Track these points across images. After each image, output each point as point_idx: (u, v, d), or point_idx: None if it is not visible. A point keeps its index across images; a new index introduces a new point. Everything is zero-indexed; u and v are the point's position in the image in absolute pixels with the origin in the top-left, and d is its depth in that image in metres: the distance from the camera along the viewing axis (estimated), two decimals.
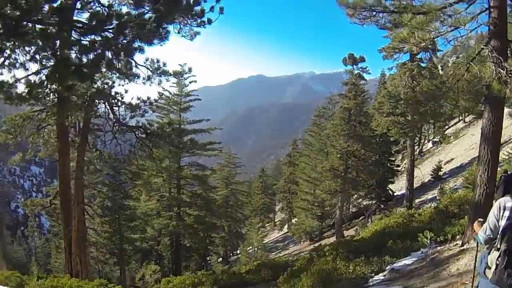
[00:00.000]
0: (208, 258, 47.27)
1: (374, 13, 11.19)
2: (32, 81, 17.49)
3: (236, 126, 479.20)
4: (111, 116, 19.13)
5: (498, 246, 4.57)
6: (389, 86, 32.57)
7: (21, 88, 17.67)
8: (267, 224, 75.36)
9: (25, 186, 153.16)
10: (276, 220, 73.02)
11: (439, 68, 47.49)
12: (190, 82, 38.30)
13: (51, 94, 17.70)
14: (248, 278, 16.83)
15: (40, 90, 17.00)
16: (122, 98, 18.64)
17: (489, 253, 4.78)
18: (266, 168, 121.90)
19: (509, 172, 4.86)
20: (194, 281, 15.79)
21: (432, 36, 9.68)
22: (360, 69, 35.81)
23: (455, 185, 29.74)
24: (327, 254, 15.15)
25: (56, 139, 20.00)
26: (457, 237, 12.75)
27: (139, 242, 38.21)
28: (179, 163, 38.14)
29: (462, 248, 11.18)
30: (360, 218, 39.23)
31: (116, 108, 19.06)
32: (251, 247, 34.08)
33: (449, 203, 17.21)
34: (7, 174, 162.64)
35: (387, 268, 12.19)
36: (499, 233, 4.59)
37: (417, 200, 33.38)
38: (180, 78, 37.71)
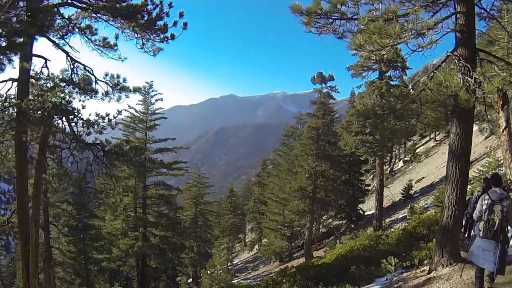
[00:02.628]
0: (177, 279, 46.23)
1: (331, 20, 10.29)
2: None
3: (208, 146, 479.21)
4: (69, 132, 18.47)
5: (483, 218, 8.16)
6: (358, 104, 32.31)
7: None
8: (237, 245, 74.63)
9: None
10: (246, 241, 72.39)
11: (410, 87, 47.53)
12: (156, 100, 37.76)
13: (10, 108, 17.23)
14: None
15: None
16: (79, 114, 17.96)
17: (478, 223, 8.31)
18: (238, 188, 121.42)
19: (488, 176, 6.95)
20: None
21: (392, 43, 8.96)
22: (329, 88, 35.61)
23: (426, 204, 29.55)
24: (284, 281, 14.59)
25: (14, 155, 19.37)
26: (425, 261, 12.22)
27: (105, 263, 37.15)
28: (144, 183, 37.35)
29: (429, 276, 10.55)
30: (330, 238, 38.81)
31: (74, 124, 18.40)
32: (214, 269, 33.32)
33: (418, 224, 16.73)
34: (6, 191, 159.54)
35: None
36: (483, 211, 8.16)
37: (387, 220, 33.14)
38: (146, 95, 37.28)
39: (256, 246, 59.44)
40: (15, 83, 17.68)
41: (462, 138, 10.21)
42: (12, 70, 18.62)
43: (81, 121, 17.99)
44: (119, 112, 18.21)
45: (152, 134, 38.19)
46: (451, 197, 10.29)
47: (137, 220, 37.34)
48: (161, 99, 38.13)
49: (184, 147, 40.89)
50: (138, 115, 37.69)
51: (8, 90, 17.51)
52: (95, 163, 19.02)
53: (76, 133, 18.29)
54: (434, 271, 10.46)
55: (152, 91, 37.49)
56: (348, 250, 16.98)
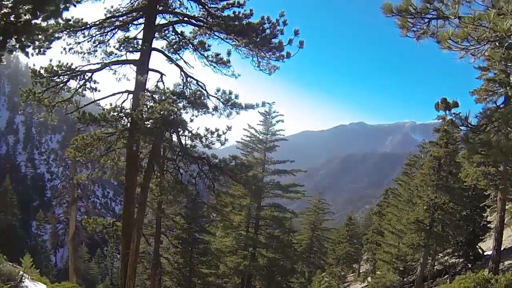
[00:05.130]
0: None
1: (427, 20, 9.25)
2: (105, 104, 18.11)
3: (334, 173, 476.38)
4: (177, 143, 18.99)
5: None
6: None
7: (94, 109, 18.39)
8: (351, 275, 72.93)
9: (116, 210, 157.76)
10: (361, 271, 70.50)
11: None
12: (277, 122, 38.04)
13: (124, 117, 18.01)
14: None
15: (114, 113, 17.42)
16: (188, 127, 18.40)
17: None
18: (359, 217, 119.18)
19: None
20: None
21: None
22: (453, 115, 33.83)
23: None
24: None
25: (125, 163, 20.19)
26: None
27: (212, 278, 37.71)
28: (259, 203, 37.58)
29: None
30: (445, 277, 36.65)
31: (183, 137, 18.88)
32: None
33: None
34: (100, 195, 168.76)
35: None
36: None
37: (507, 262, 30.67)
38: (267, 116, 37.72)
39: (369, 278, 57.76)
40: (131, 95, 18.55)
41: None
42: (129, 83, 19.69)
43: (190, 134, 18.42)
44: (229, 128, 18.33)
45: (271, 156, 38.43)
46: None
47: (247, 240, 37.61)
48: (282, 121, 38.61)
49: (302, 170, 40.52)
50: (258, 135, 38.12)
51: (124, 101, 18.47)
52: (198, 176, 19.40)
53: (184, 145, 18.76)
54: None
55: (274, 112, 37.85)
56: None
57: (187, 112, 18.59)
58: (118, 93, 18.76)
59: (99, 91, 19.20)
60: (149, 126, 17.63)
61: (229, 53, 18.62)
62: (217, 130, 18.66)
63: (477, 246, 36.36)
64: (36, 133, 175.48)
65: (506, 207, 43.74)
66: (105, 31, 18.86)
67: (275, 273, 39.17)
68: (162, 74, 19.24)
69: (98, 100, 19.17)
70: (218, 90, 18.85)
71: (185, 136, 18.69)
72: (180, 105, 18.26)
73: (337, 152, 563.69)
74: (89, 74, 18.86)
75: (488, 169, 28.27)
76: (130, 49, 19.45)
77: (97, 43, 19.08)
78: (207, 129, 18.36)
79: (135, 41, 19.44)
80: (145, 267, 37.15)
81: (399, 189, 49.00)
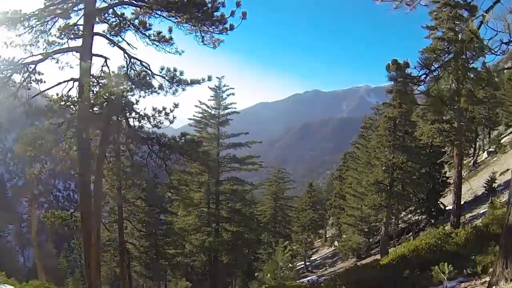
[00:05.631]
0: (256, 274, 45.83)
1: None
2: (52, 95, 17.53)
3: (293, 142, 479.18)
4: (125, 126, 18.46)
5: None
6: (433, 90, 30.31)
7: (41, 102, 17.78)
8: (318, 240, 73.65)
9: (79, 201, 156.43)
10: (327, 236, 71.19)
11: (494, 75, 44.63)
12: (228, 95, 37.55)
13: (71, 106, 17.45)
14: None
15: (61, 103, 16.85)
16: (135, 108, 17.87)
17: None
18: (322, 183, 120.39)
19: None
20: None
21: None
22: (404, 75, 33.85)
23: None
24: (322, 285, 13.50)
25: (76, 152, 19.60)
26: (490, 270, 9.70)
27: (180, 258, 37.48)
28: (217, 178, 37.16)
29: None
30: (409, 235, 37.10)
31: (131, 120, 18.38)
32: (276, 267, 32.52)
33: (491, 221, 14.67)
34: (62, 189, 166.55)
35: None
36: None
37: (468, 215, 31.05)
38: (217, 91, 37.22)
39: (336, 242, 58.34)
40: (76, 83, 17.94)
41: None
42: (73, 70, 19.09)
43: (137, 115, 17.91)
44: (176, 105, 17.89)
45: (225, 130, 37.97)
46: None
47: (209, 216, 37.28)
48: (233, 94, 38.06)
49: (257, 141, 39.88)
50: (210, 110, 37.58)
51: (70, 90, 17.85)
52: (149, 156, 18.96)
53: (132, 127, 18.26)
54: (495, 286, 7.81)
55: (224, 86, 37.31)
56: (412, 250, 15.16)
57: (133, 94, 18.08)
58: (64, 82, 18.02)
59: (44, 82, 18.50)
60: (97, 112, 17.22)
61: (170, 30, 18.03)
62: (164, 108, 18.15)
63: (439, 202, 36.92)
64: None
65: (464, 162, 44.42)
66: (46, 20, 18.03)
67: (241, 247, 39.11)
68: (106, 58, 18.64)
69: (44, 91, 18.39)
70: (162, 69, 18.40)
71: (133, 118, 18.27)
72: (125, 87, 17.82)
73: (294, 121, 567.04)
74: (33, 66, 18.05)
75: (443, 126, 28.38)
76: (72, 36, 18.69)
77: (38, 33, 18.21)
78: (154, 109, 17.89)
79: (76, 27, 18.65)
80: (112, 255, 36.52)
81: (357, 152, 49.25)
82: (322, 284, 14.02)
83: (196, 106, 37.73)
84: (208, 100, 37.64)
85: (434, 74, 23.95)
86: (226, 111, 37.65)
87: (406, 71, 33.71)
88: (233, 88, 37.74)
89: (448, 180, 38.69)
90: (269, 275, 33.03)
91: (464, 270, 10.55)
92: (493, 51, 7.55)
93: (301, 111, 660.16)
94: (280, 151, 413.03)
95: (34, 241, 43.34)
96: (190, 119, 38.49)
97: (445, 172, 40.22)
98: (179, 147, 18.42)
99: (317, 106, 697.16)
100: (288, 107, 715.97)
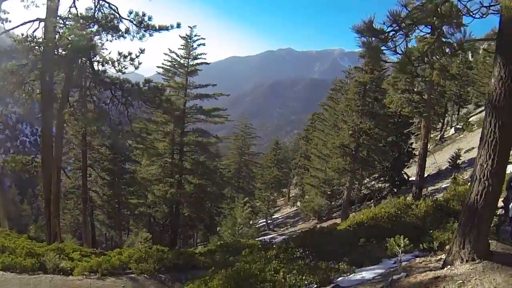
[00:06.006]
0: (218, 229, 45.87)
1: None
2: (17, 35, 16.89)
3: (263, 98, 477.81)
4: (89, 69, 17.90)
5: None
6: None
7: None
8: (281, 199, 73.92)
9: None
10: (290, 196, 71.52)
11: (469, 54, 44.58)
12: (198, 45, 36.71)
13: (36, 47, 16.87)
14: (199, 259, 15.09)
15: (25, 43, 16.40)
16: (100, 52, 17.27)
17: None
18: (289, 142, 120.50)
19: None
20: (141, 256, 14.27)
21: None
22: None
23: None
24: (274, 247, 13.29)
25: (39, 95, 18.99)
26: (447, 247, 9.36)
27: (143, 208, 37.23)
28: (182, 129, 36.59)
29: (439, 273, 7.32)
30: (371, 201, 37.32)
31: (95, 63, 17.79)
32: (235, 223, 32.51)
33: (452, 197, 14.54)
34: (29, 134, 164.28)
35: (333, 281, 9.32)
36: None
37: (430, 188, 31.34)
38: (188, 40, 36.44)
39: (298, 203, 58.61)
40: (42, 23, 17.31)
41: (507, 84, 6.68)
42: (39, 10, 18.56)
43: (102, 59, 17.35)
44: (142, 51, 17.41)
45: (193, 80, 37.25)
46: (484, 165, 6.94)
47: (173, 167, 36.80)
48: (204, 44, 37.24)
49: (225, 94, 39.21)
50: (179, 59, 36.76)
51: (36, 30, 17.26)
52: (111, 102, 18.48)
53: (96, 71, 17.74)
54: (449, 267, 7.42)
55: (195, 35, 36.43)
56: (370, 218, 14.91)
57: (100, 38, 17.66)
58: (29, 21, 17.54)
59: (10, 21, 17.88)
60: (61, 54, 16.64)
61: None
62: (130, 53, 17.68)
63: (403, 172, 37.07)
64: None
65: (431, 135, 44.57)
66: None
67: (203, 200, 39.06)
68: None
69: (9, 30, 17.96)
70: (130, 13, 18.07)
71: (97, 61, 17.71)
72: (92, 29, 17.25)
73: (265, 78, 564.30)
74: None
75: (413, 96, 28.24)
76: None
77: None
78: (119, 53, 17.42)
79: None
80: (76, 203, 36.30)
81: (325, 114, 49.23)
82: (274, 246, 13.70)
83: (165, 54, 36.87)
84: (178, 49, 36.83)
85: (404, 31, 23.38)
86: (196, 61, 36.92)
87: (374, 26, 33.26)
88: (204, 39, 36.98)
89: (413, 151, 38.94)
90: (228, 231, 33.08)
91: (421, 245, 10.27)
92: (471, 13, 6.99)
93: (273, 68, 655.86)
94: (248, 106, 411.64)
95: None
96: (158, 67, 37.62)
97: (412, 143, 40.47)
98: (142, 93, 17.96)
99: (289, 64, 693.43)
100: (260, 63, 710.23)
